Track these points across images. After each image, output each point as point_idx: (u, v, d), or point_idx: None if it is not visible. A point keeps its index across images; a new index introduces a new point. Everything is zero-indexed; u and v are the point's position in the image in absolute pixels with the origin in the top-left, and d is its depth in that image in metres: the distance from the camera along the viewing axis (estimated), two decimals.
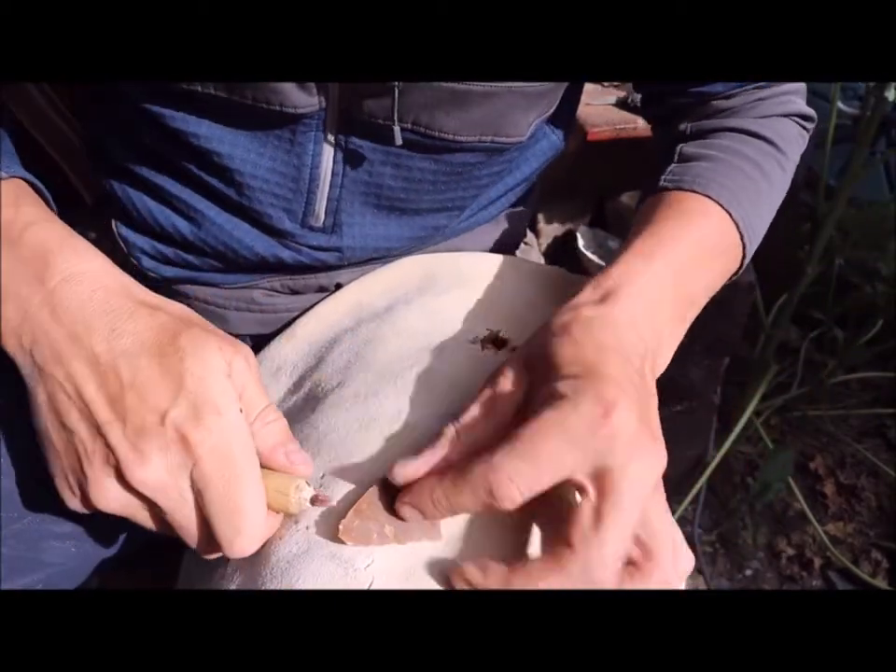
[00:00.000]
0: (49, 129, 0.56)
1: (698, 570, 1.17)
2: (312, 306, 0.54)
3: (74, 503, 0.36)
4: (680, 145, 0.53)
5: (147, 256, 0.52)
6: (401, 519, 0.36)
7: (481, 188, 0.54)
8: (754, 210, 0.50)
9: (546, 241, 1.17)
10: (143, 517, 0.35)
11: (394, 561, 0.35)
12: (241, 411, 0.35)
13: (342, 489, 0.38)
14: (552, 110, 0.52)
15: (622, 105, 1.01)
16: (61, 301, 0.35)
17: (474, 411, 0.37)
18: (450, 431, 0.37)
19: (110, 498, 0.34)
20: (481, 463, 0.33)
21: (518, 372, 0.38)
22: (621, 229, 1.32)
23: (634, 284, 0.42)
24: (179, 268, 0.53)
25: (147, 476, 0.33)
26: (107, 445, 0.33)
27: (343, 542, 0.35)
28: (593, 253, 1.08)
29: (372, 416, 0.42)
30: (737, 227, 0.48)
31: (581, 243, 1.09)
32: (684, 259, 0.45)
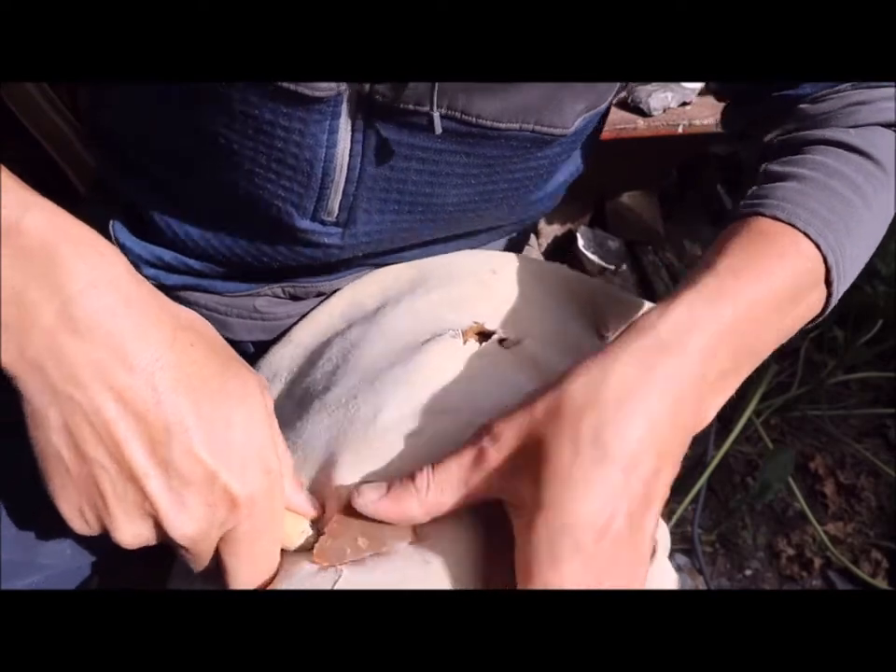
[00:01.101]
0: (48, 127, 0.55)
1: (698, 570, 1.17)
2: (309, 311, 0.53)
3: (82, 529, 0.33)
4: (765, 163, 0.45)
5: (148, 264, 0.51)
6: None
7: (513, 183, 0.49)
8: (850, 242, 0.41)
9: (546, 241, 1.17)
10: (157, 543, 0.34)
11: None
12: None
13: (322, 498, 0.39)
14: (604, 106, 0.47)
15: (622, 105, 1.01)
16: (84, 314, 0.30)
17: (452, 471, 0.36)
18: (420, 483, 0.36)
19: (134, 535, 0.32)
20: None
21: (513, 445, 0.35)
22: (621, 229, 1.32)
23: (693, 334, 0.36)
24: (181, 275, 0.52)
25: (187, 529, 0.32)
26: (144, 493, 0.31)
27: (319, 563, 0.35)
28: (593, 253, 1.08)
29: (350, 420, 0.41)
30: (825, 263, 0.40)
31: (581, 243, 1.09)
32: (756, 305, 0.38)
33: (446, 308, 0.48)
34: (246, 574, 0.35)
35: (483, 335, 0.46)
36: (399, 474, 0.38)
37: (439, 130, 0.40)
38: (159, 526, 0.32)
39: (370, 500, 0.36)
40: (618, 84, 0.48)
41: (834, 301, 0.42)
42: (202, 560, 0.34)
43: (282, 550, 0.37)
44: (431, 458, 0.38)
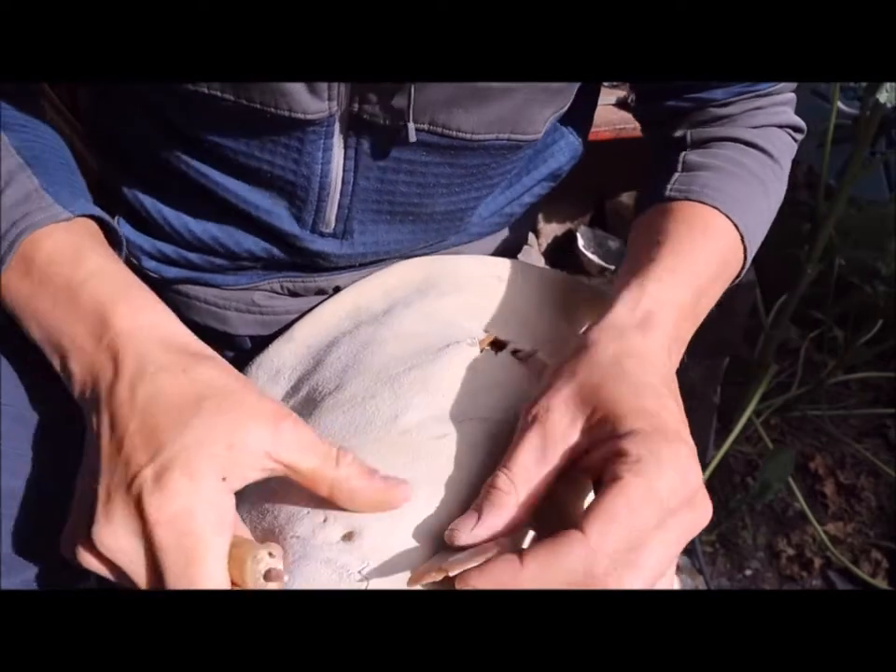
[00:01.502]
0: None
1: (698, 570, 1.17)
2: (310, 309, 0.54)
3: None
4: (683, 153, 0.53)
5: (148, 256, 0.52)
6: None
7: (493, 187, 0.53)
8: (756, 222, 0.51)
9: (546, 241, 1.17)
10: (112, 576, 0.34)
11: (389, 566, 0.35)
12: (224, 479, 0.33)
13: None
14: (566, 106, 0.51)
15: (622, 105, 1.00)
16: (116, 355, 0.36)
17: (528, 456, 0.35)
18: (505, 485, 0.35)
19: (82, 556, 0.34)
20: (575, 545, 0.31)
21: (573, 413, 0.36)
22: (621, 229, 1.32)
23: (667, 306, 0.42)
24: (181, 268, 0.53)
25: (107, 539, 0.32)
26: (92, 502, 0.33)
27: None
28: (592, 253, 1.08)
29: (369, 419, 0.42)
30: (742, 239, 0.49)
31: (580, 243, 1.09)
32: (704, 279, 0.46)
33: (458, 314, 0.49)
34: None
35: (497, 345, 0.47)
36: (421, 475, 0.38)
37: (413, 138, 0.44)
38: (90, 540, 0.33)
39: (472, 533, 0.34)
40: (576, 88, 0.51)
41: (745, 270, 0.51)
42: (144, 583, 0.33)
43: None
44: (452, 462, 0.39)
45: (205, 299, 0.54)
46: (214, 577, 0.33)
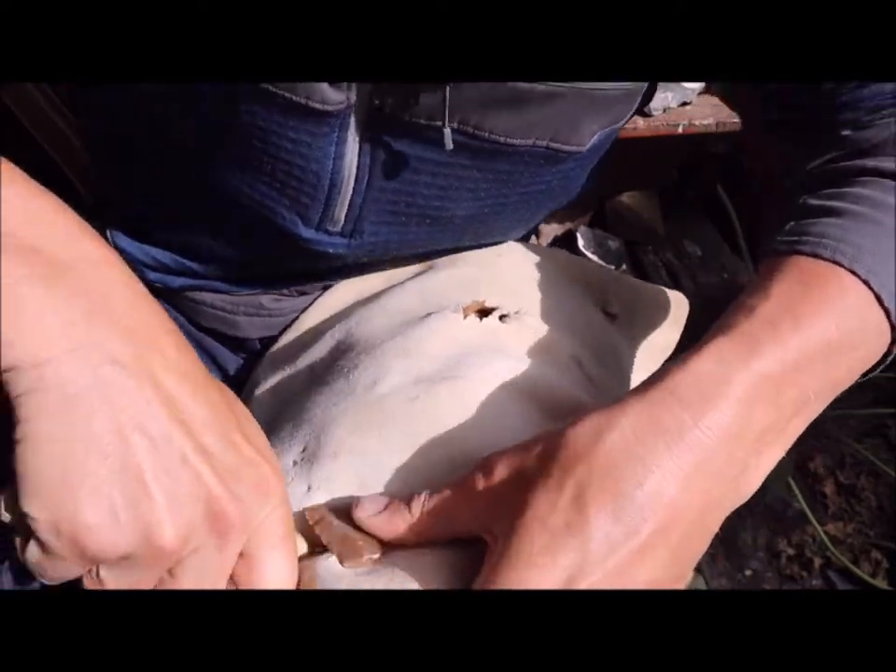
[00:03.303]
0: (49, 129, 0.56)
1: (698, 570, 1.17)
2: (314, 300, 0.54)
3: (110, 535, 0.28)
4: (804, 196, 0.41)
5: (150, 268, 0.51)
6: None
7: (522, 196, 0.48)
8: None
9: (546, 241, 1.17)
10: None
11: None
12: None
13: (321, 464, 0.39)
14: (622, 122, 0.46)
15: None
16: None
17: (444, 498, 0.35)
18: (415, 507, 0.35)
19: (179, 524, 0.29)
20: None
21: (498, 479, 0.34)
22: (621, 229, 1.32)
23: (727, 392, 0.32)
24: (186, 277, 0.52)
25: (238, 512, 0.31)
26: (195, 473, 0.30)
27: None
28: (592, 253, 1.08)
29: (352, 388, 0.42)
30: (881, 303, 0.35)
31: (581, 243, 1.09)
32: (797, 354, 0.33)
33: (451, 287, 0.48)
34: (283, 569, 0.33)
35: (484, 312, 0.46)
36: (395, 436, 0.38)
37: (450, 146, 0.40)
38: (210, 514, 0.29)
39: (366, 513, 0.36)
40: (636, 103, 0.46)
41: None
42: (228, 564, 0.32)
43: None
44: (427, 428, 0.39)
45: (212, 304, 0.54)
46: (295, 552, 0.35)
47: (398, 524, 0.36)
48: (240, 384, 0.54)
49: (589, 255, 1.07)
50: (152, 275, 0.52)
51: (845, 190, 0.39)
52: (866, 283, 0.35)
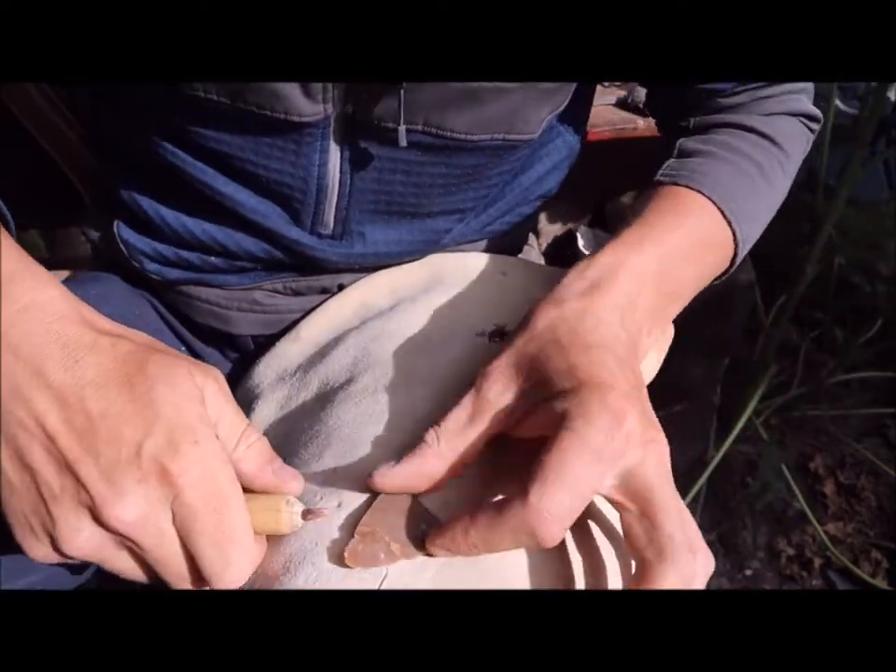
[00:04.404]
0: (49, 129, 0.56)
1: None
2: (315, 307, 0.54)
3: (39, 551, 0.32)
4: (681, 139, 0.53)
5: (149, 259, 0.52)
6: (429, 554, 0.35)
7: (491, 187, 0.54)
8: (750, 208, 0.49)
9: (546, 241, 1.17)
10: (118, 560, 0.33)
11: (408, 578, 0.34)
12: (217, 437, 0.33)
13: (352, 482, 0.38)
14: (563, 105, 0.52)
15: (622, 105, 1.00)
16: (17, 332, 0.32)
17: (458, 416, 0.37)
18: (431, 438, 0.36)
19: (81, 540, 0.31)
20: (515, 504, 0.32)
21: (507, 379, 0.37)
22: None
23: (619, 274, 0.41)
24: (182, 269, 0.53)
25: (125, 512, 0.31)
26: (78, 482, 0.31)
27: (350, 567, 0.34)
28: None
29: (382, 410, 0.42)
30: (730, 224, 0.47)
31: (581, 243, 1.09)
32: (671, 251, 0.44)
33: (464, 308, 0.50)
34: (219, 563, 0.32)
35: (503, 336, 0.48)
36: None
37: (403, 143, 0.44)
38: (98, 518, 0.31)
39: (386, 474, 0.36)
40: (573, 90, 0.51)
41: (739, 259, 0.49)
42: (168, 560, 0.32)
43: (272, 538, 0.36)
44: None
45: (207, 299, 0.54)
46: (245, 532, 0.33)
47: (425, 461, 0.36)
48: (232, 384, 0.55)
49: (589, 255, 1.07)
50: (151, 266, 0.53)
51: (710, 136, 0.52)
52: (719, 208, 0.47)
